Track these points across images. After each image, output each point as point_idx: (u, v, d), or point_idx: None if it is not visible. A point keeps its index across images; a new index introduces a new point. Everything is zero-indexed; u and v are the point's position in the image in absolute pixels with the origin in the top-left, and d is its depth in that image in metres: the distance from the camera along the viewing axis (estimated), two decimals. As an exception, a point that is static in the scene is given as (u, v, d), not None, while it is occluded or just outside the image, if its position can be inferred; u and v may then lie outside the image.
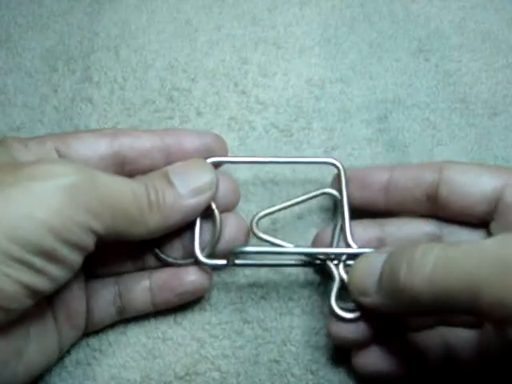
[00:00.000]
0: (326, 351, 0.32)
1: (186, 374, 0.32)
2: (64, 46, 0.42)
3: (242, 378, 0.32)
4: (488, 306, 0.22)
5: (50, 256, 0.24)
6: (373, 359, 0.29)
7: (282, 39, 0.43)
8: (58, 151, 0.30)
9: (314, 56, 0.42)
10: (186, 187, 0.29)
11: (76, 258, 0.25)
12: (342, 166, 0.33)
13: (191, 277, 0.31)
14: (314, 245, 0.32)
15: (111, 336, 0.32)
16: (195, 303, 0.33)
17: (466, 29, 0.43)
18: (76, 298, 0.29)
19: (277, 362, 0.32)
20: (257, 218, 0.31)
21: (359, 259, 0.28)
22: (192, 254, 0.31)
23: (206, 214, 0.31)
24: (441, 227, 0.31)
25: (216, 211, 0.31)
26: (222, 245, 0.31)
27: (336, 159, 0.33)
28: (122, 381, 0.31)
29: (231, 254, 0.30)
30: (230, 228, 0.31)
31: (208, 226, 0.31)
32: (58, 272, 0.25)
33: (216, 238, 0.31)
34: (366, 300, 0.27)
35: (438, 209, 0.31)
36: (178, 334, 0.32)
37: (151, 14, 0.44)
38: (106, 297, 0.31)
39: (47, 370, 0.30)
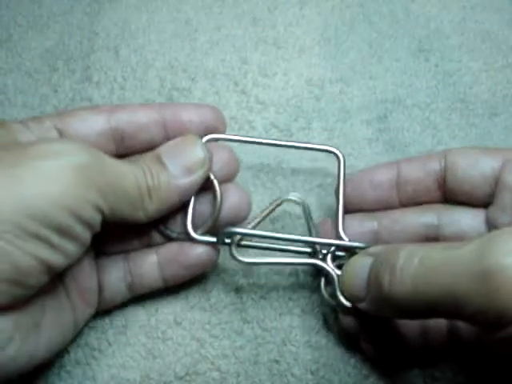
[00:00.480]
0: (326, 351, 0.32)
1: (186, 373, 0.32)
2: (64, 46, 0.42)
3: (242, 378, 0.31)
4: (471, 314, 0.22)
5: (64, 232, 0.24)
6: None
7: (282, 39, 0.43)
8: (56, 129, 0.30)
9: (313, 56, 0.42)
10: (178, 167, 0.29)
11: (87, 236, 0.26)
12: (343, 155, 0.33)
13: (198, 249, 0.31)
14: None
15: (111, 336, 0.32)
16: (195, 303, 0.33)
17: (466, 29, 0.43)
18: (87, 275, 0.30)
19: (277, 362, 0.32)
20: (235, 242, 0.31)
21: (348, 264, 0.28)
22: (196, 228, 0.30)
23: (206, 186, 0.30)
24: (439, 216, 0.31)
25: (216, 183, 0.30)
26: (225, 216, 0.31)
27: (337, 148, 0.33)
28: (121, 381, 0.31)
29: (222, 233, 0.30)
30: (232, 199, 0.31)
31: (209, 198, 0.31)
32: (71, 248, 0.25)
33: (217, 211, 0.30)
34: (360, 306, 0.27)
35: (447, 195, 0.31)
36: (177, 334, 0.32)
37: (151, 14, 0.44)
38: (115, 273, 0.31)
39: (64, 346, 0.30)
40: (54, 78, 0.41)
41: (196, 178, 0.29)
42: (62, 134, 0.30)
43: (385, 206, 0.32)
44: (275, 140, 0.34)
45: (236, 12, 0.44)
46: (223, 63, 0.41)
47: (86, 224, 0.25)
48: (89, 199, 0.25)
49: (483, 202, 0.30)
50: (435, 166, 0.31)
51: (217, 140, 0.32)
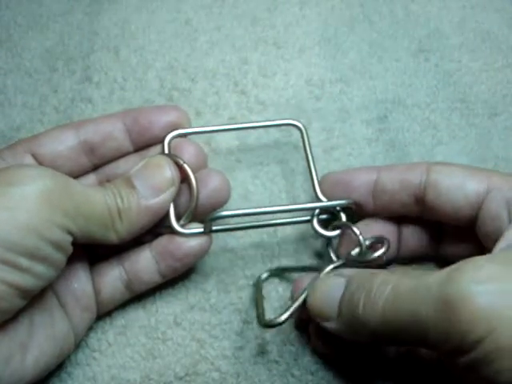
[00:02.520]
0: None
1: (186, 374, 0.32)
2: (64, 46, 0.42)
3: (242, 379, 0.32)
4: (433, 341, 0.23)
5: (33, 255, 0.25)
6: None
7: (282, 39, 0.43)
8: (30, 153, 0.31)
9: (313, 56, 0.42)
10: (148, 188, 0.29)
11: (59, 257, 0.26)
12: (304, 126, 0.34)
13: (189, 240, 0.31)
14: None
15: (111, 336, 0.32)
16: (195, 303, 0.33)
17: (466, 29, 0.43)
18: (82, 282, 0.30)
19: (277, 362, 0.32)
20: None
21: (318, 283, 0.29)
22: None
23: (183, 176, 0.31)
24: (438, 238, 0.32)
25: (188, 169, 0.31)
26: (206, 201, 0.31)
27: (297, 120, 0.35)
28: (121, 381, 0.31)
29: (207, 221, 0.30)
30: (210, 183, 0.31)
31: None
32: (43, 270, 0.25)
33: (195, 197, 0.31)
34: (326, 325, 0.28)
35: (425, 211, 0.31)
36: (177, 335, 0.32)
37: (151, 14, 0.44)
38: (112, 274, 0.31)
39: (63, 357, 0.30)
40: (54, 78, 0.41)
41: (165, 196, 0.30)
42: (35, 156, 0.31)
43: (358, 211, 0.32)
44: (236, 124, 0.35)
45: (236, 12, 0.44)
46: (223, 63, 0.41)
47: (56, 246, 0.26)
48: (56, 222, 0.25)
49: (464, 223, 0.30)
50: (415, 179, 0.30)
51: (185, 135, 0.33)
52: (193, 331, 0.33)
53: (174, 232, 0.31)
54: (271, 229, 0.35)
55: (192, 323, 0.33)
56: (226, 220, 0.32)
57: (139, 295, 0.33)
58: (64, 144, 0.31)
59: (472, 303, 0.22)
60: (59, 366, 0.31)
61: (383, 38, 0.43)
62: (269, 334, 0.32)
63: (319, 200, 0.32)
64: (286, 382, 0.31)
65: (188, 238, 0.31)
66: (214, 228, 0.31)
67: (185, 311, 0.33)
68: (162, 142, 0.32)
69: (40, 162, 0.31)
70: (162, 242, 0.31)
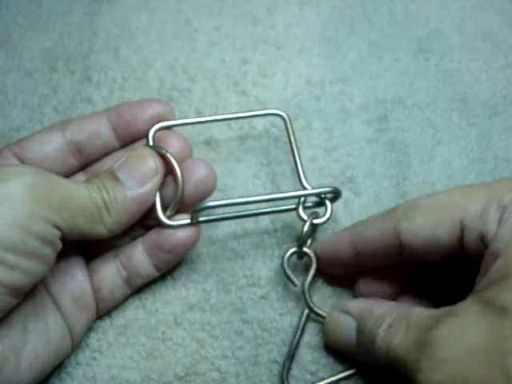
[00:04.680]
0: (326, 352, 0.32)
1: (186, 374, 0.32)
2: (64, 46, 0.42)
3: (242, 379, 0.32)
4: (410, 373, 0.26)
5: (21, 250, 0.25)
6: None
7: (282, 39, 0.42)
8: (16, 157, 0.31)
9: (313, 56, 0.42)
10: (132, 179, 0.30)
11: (48, 252, 0.26)
12: (287, 115, 0.35)
13: (176, 232, 0.31)
14: None
15: (111, 336, 0.32)
16: (195, 303, 0.33)
17: (466, 29, 0.43)
18: (78, 280, 0.30)
19: (277, 362, 0.32)
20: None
21: (328, 322, 0.31)
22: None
23: (168, 169, 0.31)
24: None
25: (171, 159, 0.31)
26: (193, 191, 0.31)
27: (280, 110, 0.35)
28: (121, 381, 0.31)
29: (194, 212, 0.30)
30: (196, 173, 0.31)
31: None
32: (32, 266, 0.25)
33: (180, 187, 0.31)
34: (346, 352, 0.31)
35: (407, 256, 0.30)
36: (177, 335, 0.32)
37: (151, 14, 0.44)
38: (109, 270, 0.31)
39: (62, 358, 0.30)
40: (54, 78, 0.41)
41: (151, 186, 0.30)
42: (21, 159, 0.31)
43: (345, 275, 0.33)
44: (220, 115, 0.35)
45: (236, 12, 0.44)
46: (223, 63, 0.41)
47: (43, 240, 0.26)
48: (41, 215, 0.25)
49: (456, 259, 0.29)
50: (389, 235, 0.30)
51: (169, 127, 0.33)
52: (193, 331, 0.33)
53: (161, 224, 0.31)
54: (271, 229, 0.35)
55: (192, 323, 0.33)
56: (215, 211, 0.32)
57: (139, 295, 0.33)
58: (50, 146, 0.32)
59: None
60: (59, 365, 0.31)
61: (383, 38, 0.43)
62: (268, 333, 0.32)
63: (304, 188, 0.33)
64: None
65: (175, 229, 0.31)
66: (200, 219, 0.31)
67: (185, 311, 0.33)
68: (146, 135, 0.33)
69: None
70: (152, 235, 0.32)
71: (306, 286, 0.32)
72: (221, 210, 0.32)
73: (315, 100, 0.40)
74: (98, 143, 0.33)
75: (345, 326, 0.30)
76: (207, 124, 0.39)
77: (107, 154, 0.33)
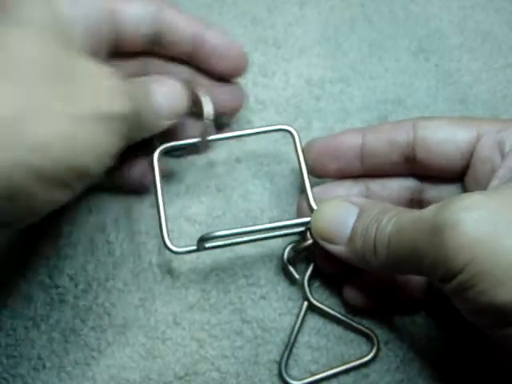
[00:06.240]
0: (326, 352, 0.32)
1: (186, 374, 0.32)
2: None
3: (242, 379, 0.31)
4: (427, 268, 0.24)
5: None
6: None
7: (282, 39, 0.42)
8: None
9: (313, 56, 0.42)
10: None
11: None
12: (297, 132, 0.33)
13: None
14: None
15: (110, 336, 0.32)
16: (195, 303, 0.33)
17: (466, 29, 0.43)
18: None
19: (277, 362, 0.32)
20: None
21: (327, 204, 0.29)
22: None
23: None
24: (422, 181, 0.32)
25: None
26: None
27: (289, 125, 0.34)
28: (121, 381, 0.31)
29: (200, 240, 0.30)
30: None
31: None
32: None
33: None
34: (332, 248, 0.29)
35: (416, 168, 0.31)
36: (177, 334, 0.32)
37: (151, 14, 0.43)
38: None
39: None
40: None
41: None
42: None
43: (348, 175, 0.32)
44: (226, 133, 0.35)
45: (236, 12, 0.44)
46: (223, 63, 0.41)
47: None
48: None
49: (457, 175, 0.30)
50: (402, 139, 0.30)
51: (172, 149, 0.34)
52: (192, 331, 0.33)
53: (167, 248, 0.31)
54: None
55: (192, 323, 0.33)
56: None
57: (139, 295, 0.33)
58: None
59: (458, 230, 0.22)
60: (58, 365, 0.31)
61: (383, 37, 0.43)
62: (268, 333, 0.32)
63: (312, 209, 0.31)
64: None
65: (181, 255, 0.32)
66: (206, 245, 0.31)
67: (184, 311, 0.33)
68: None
69: None
70: None
71: (306, 279, 0.32)
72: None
73: (315, 100, 0.40)
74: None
75: (343, 210, 0.29)
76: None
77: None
